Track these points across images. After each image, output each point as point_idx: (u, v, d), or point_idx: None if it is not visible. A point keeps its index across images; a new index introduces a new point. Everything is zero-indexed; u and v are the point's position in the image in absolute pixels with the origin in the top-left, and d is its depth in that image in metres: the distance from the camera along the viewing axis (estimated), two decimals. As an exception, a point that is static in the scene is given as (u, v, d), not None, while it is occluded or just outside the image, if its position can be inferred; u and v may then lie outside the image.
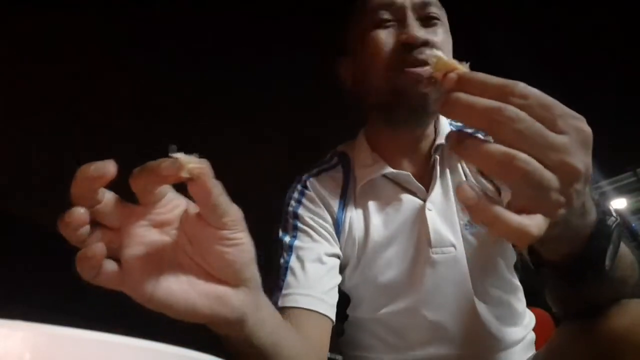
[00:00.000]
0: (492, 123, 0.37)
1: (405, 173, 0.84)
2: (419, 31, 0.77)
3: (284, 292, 0.75)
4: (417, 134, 0.85)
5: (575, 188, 0.38)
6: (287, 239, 0.81)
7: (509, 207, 0.38)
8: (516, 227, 0.36)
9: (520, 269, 0.91)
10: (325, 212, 0.85)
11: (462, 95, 0.38)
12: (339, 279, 0.80)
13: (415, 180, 0.84)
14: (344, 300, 0.89)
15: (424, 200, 0.83)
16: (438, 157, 0.84)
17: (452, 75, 0.39)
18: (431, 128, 0.86)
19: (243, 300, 0.45)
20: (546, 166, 0.37)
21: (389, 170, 0.84)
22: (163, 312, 0.42)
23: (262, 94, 2.55)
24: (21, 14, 2.12)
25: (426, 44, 0.76)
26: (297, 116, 2.61)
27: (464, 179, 0.84)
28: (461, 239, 0.82)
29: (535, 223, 0.37)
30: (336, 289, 0.79)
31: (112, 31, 2.29)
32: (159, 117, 2.51)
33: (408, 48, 0.75)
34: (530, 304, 0.95)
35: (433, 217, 0.82)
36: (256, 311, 0.48)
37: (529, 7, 2.22)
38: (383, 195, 0.85)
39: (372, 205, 0.85)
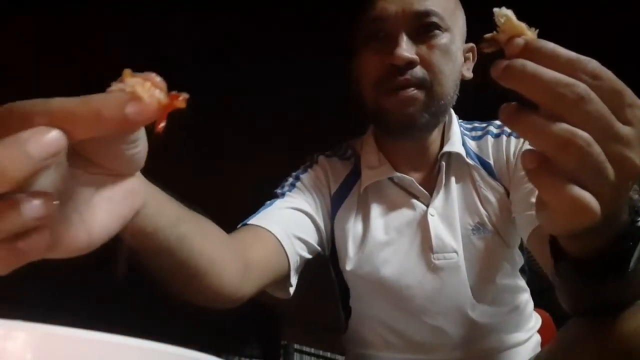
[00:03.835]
0: (557, 98, 0.33)
1: (409, 178, 0.84)
2: (407, 50, 0.75)
3: (254, 216, 0.77)
4: (419, 143, 0.85)
5: (628, 185, 0.36)
6: (281, 191, 0.85)
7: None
8: (582, 199, 0.33)
9: (528, 271, 0.91)
10: (326, 189, 0.87)
11: (529, 63, 0.34)
12: (309, 238, 0.81)
13: (419, 186, 0.84)
14: (346, 292, 0.90)
15: (427, 206, 0.83)
16: (444, 164, 0.84)
17: (519, 40, 0.35)
18: (436, 135, 0.86)
19: (144, 185, 0.39)
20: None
21: (394, 174, 0.84)
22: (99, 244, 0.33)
23: (262, 94, 2.55)
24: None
25: (411, 64, 0.75)
26: (298, 117, 2.61)
27: (471, 186, 0.84)
28: (462, 245, 0.82)
29: (595, 201, 0.34)
30: (303, 243, 0.80)
31: (114, 30, 2.29)
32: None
33: (395, 69, 0.75)
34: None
35: (435, 223, 0.82)
36: (153, 197, 0.44)
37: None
38: (386, 197, 0.86)
39: (374, 206, 0.85)
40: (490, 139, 0.86)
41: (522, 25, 0.36)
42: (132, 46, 2.30)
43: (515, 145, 0.83)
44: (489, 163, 0.84)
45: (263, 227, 0.74)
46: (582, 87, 0.33)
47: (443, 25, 0.78)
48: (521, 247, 0.87)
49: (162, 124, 0.29)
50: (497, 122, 0.89)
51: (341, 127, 1.08)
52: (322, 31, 1.84)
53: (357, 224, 0.85)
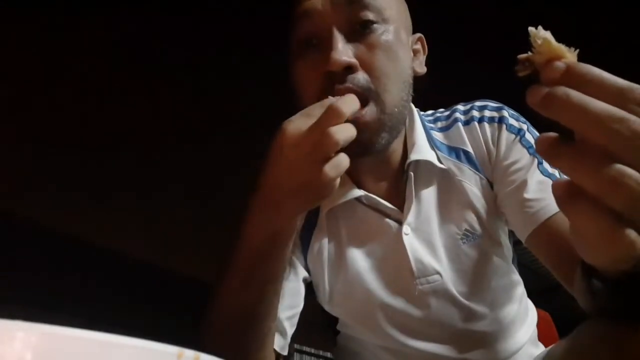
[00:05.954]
0: (610, 134, 0.30)
1: (375, 197, 0.76)
2: (343, 52, 0.64)
3: None
4: (379, 158, 0.75)
5: None
6: None
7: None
8: (625, 237, 0.31)
9: (518, 265, 0.89)
10: None
11: (573, 92, 0.31)
12: (299, 307, 0.76)
13: (387, 203, 0.76)
14: (332, 318, 0.84)
15: (400, 223, 0.76)
16: (412, 174, 0.75)
17: (559, 64, 0.32)
18: (397, 143, 0.76)
19: None
20: None
21: (358, 193, 0.76)
22: None
23: (261, 94, 2.55)
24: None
25: (350, 69, 0.64)
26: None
27: (449, 191, 0.77)
28: (445, 261, 0.76)
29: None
30: (294, 318, 0.75)
31: (113, 30, 2.29)
32: (159, 117, 2.51)
33: (333, 76, 0.65)
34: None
35: (412, 243, 0.76)
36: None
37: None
38: (356, 220, 0.78)
39: (343, 230, 0.79)
40: (460, 127, 0.78)
41: (562, 48, 0.33)
42: (132, 46, 2.30)
43: (490, 132, 0.76)
44: (468, 152, 0.77)
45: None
46: (636, 122, 0.30)
47: (382, 16, 0.67)
48: (516, 243, 0.83)
49: None
50: (461, 108, 0.81)
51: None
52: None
53: (331, 255, 0.79)
